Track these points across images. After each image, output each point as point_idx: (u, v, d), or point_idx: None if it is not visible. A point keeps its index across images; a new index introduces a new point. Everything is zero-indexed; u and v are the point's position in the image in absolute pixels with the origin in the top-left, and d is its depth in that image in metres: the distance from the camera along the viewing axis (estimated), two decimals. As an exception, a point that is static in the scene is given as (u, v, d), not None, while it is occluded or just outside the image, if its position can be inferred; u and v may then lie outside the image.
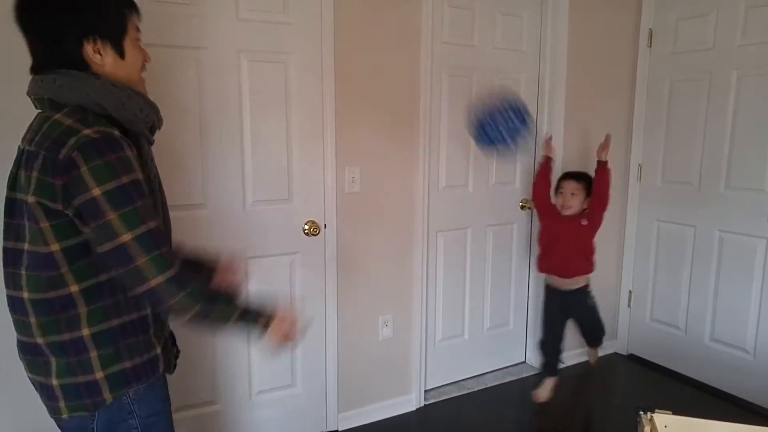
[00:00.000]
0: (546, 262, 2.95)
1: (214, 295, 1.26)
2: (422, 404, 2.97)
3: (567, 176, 2.92)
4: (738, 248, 3.03)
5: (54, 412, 1.26)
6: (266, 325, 1.34)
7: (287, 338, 1.40)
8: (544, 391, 2.99)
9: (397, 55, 2.65)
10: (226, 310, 1.27)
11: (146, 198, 1.19)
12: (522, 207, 3.27)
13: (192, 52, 2.21)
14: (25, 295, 1.20)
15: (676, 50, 3.27)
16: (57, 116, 1.18)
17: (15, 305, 1.24)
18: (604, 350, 3.61)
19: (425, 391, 3.02)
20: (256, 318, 1.33)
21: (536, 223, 3.28)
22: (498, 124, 2.27)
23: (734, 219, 3.03)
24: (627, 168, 3.54)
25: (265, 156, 2.40)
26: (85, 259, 1.19)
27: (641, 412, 1.36)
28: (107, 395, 1.24)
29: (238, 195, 2.37)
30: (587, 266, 2.91)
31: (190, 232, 2.23)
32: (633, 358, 3.59)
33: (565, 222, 2.86)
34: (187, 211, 2.26)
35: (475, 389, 3.14)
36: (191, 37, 2.20)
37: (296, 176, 2.48)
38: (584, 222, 2.85)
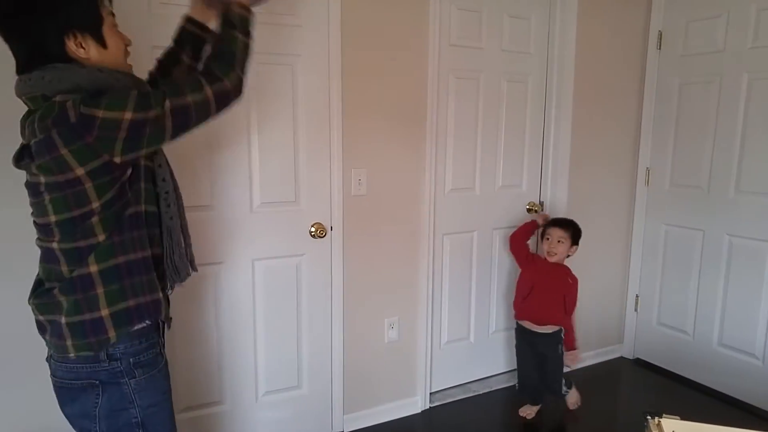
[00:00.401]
0: (523, 308, 2.89)
1: (222, 52, 1.37)
2: (427, 406, 2.97)
3: (554, 223, 2.91)
4: (747, 253, 3.00)
5: (61, 350, 1.29)
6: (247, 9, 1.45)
7: None
8: (529, 411, 2.93)
9: (405, 57, 2.65)
10: (233, 44, 1.39)
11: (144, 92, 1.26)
12: (529, 210, 3.26)
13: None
14: (52, 218, 1.24)
15: (685, 52, 3.25)
16: (49, 103, 1.21)
17: (47, 255, 1.30)
18: (611, 354, 3.61)
19: (430, 393, 3.02)
20: (242, 20, 1.43)
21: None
22: None
23: (744, 223, 3.01)
24: (635, 171, 3.52)
25: (271, 158, 2.40)
26: (107, 178, 1.23)
27: (648, 417, 1.35)
28: (111, 333, 1.27)
29: (245, 197, 2.37)
30: (563, 319, 2.84)
31: (197, 233, 2.24)
32: (639, 363, 3.57)
33: (552, 271, 2.85)
34: (193, 212, 2.26)
35: (481, 392, 3.13)
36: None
37: (303, 178, 2.49)
38: (570, 281, 2.85)
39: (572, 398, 2.96)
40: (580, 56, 3.15)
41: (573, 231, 2.88)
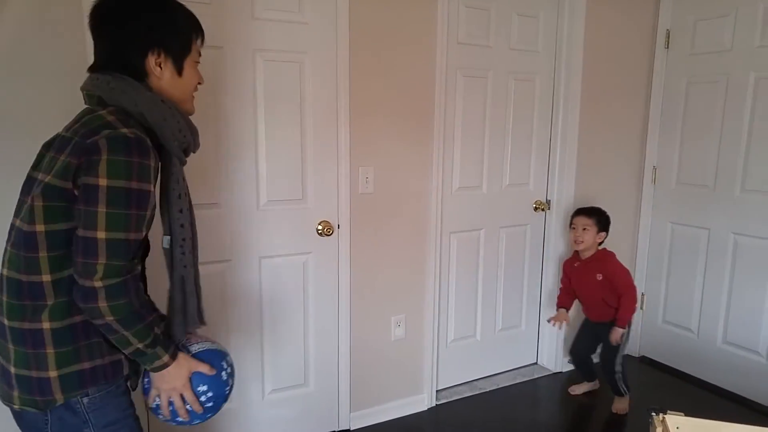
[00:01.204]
0: (584, 310, 3.06)
1: (133, 320, 1.20)
2: (434, 404, 2.98)
3: (579, 212, 2.99)
4: (753, 251, 3.00)
5: (7, 398, 1.24)
6: (157, 369, 1.28)
7: (170, 393, 1.31)
8: (579, 388, 3.12)
9: (412, 55, 2.64)
10: (130, 339, 1.21)
11: (144, 212, 1.20)
12: (535, 209, 3.26)
13: (208, 52, 2.19)
14: (4, 272, 1.22)
15: (693, 51, 3.24)
16: (101, 112, 1.22)
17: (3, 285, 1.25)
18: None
19: (437, 391, 3.02)
20: (151, 359, 1.26)
21: (549, 225, 3.29)
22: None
23: (749, 222, 3.01)
24: (641, 169, 3.51)
25: (279, 155, 2.40)
26: (63, 249, 1.19)
27: (653, 413, 1.36)
28: (58, 396, 1.20)
29: (252, 194, 2.37)
30: (612, 312, 2.90)
31: (203, 231, 2.23)
32: (645, 360, 3.58)
33: (582, 276, 2.94)
34: (200, 210, 2.24)
35: (487, 389, 3.14)
36: (207, 36, 2.15)
37: (310, 176, 2.48)
38: (599, 277, 2.87)
39: (620, 403, 2.96)
40: (588, 55, 3.14)
41: (598, 217, 2.92)
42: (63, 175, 1.16)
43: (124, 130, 1.17)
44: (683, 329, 3.37)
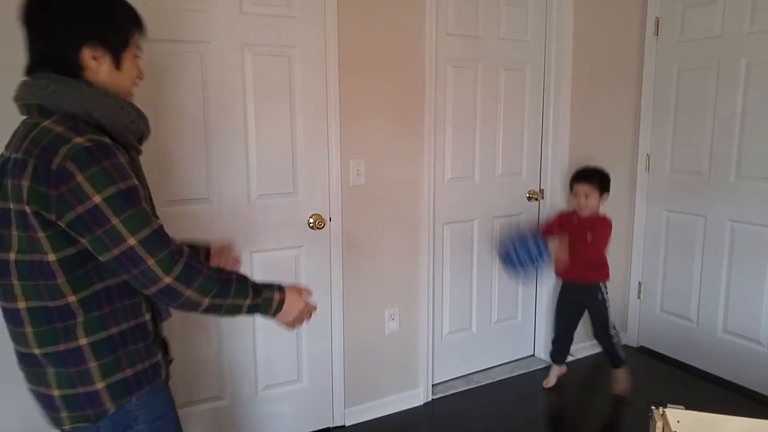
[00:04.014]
0: (560, 269, 2.96)
1: (224, 285, 1.23)
2: (430, 398, 2.95)
3: (578, 178, 2.93)
4: (750, 238, 2.98)
5: (56, 422, 1.24)
6: (278, 310, 1.34)
7: (299, 319, 1.40)
8: (549, 379, 3.08)
9: (402, 46, 2.63)
10: (236, 302, 1.25)
11: (145, 203, 1.18)
12: (529, 198, 3.24)
13: (196, 47, 2.20)
14: (21, 305, 1.18)
15: (683, 38, 3.23)
16: (46, 123, 1.15)
17: (10, 316, 1.21)
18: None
19: (433, 385, 3.00)
20: (267, 305, 1.32)
21: (543, 214, 3.27)
22: (527, 249, 2.60)
23: (745, 208, 2.99)
24: (635, 158, 3.50)
25: (269, 149, 2.39)
26: (81, 270, 1.17)
27: (653, 407, 1.34)
28: (109, 405, 1.22)
29: (243, 189, 2.36)
30: (597, 275, 2.92)
31: (194, 226, 2.23)
32: (643, 351, 3.55)
33: (576, 233, 2.87)
34: (191, 205, 2.25)
35: (483, 383, 3.12)
36: (195, 31, 2.19)
37: (301, 169, 2.47)
38: (590, 238, 2.84)
39: (622, 381, 2.98)
40: (577, 44, 3.13)
41: (599, 181, 2.90)
42: (44, 206, 1.11)
43: (79, 140, 1.11)
44: (682, 318, 3.35)
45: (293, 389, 2.59)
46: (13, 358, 1.27)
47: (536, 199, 3.26)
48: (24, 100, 1.20)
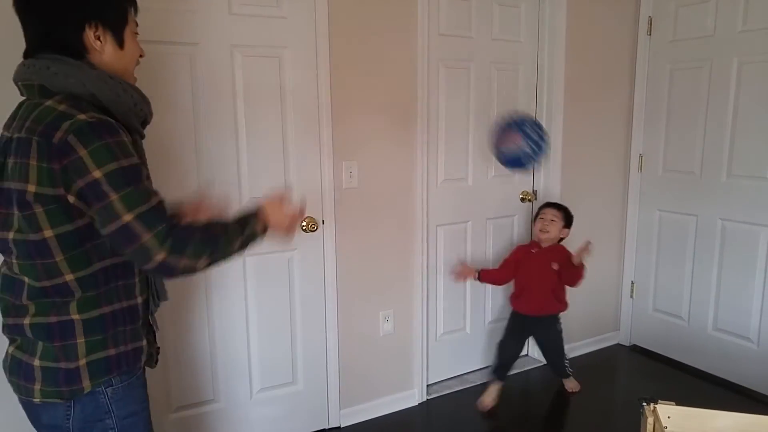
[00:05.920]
0: (519, 302, 2.95)
1: (213, 241, 1.23)
2: (425, 399, 2.96)
3: (548, 205, 2.98)
4: (740, 237, 3.00)
5: (26, 393, 1.22)
6: (265, 230, 1.36)
7: (292, 226, 1.44)
8: (489, 397, 2.88)
9: (394, 47, 2.62)
10: (228, 248, 1.27)
11: (146, 181, 1.19)
12: (522, 200, 3.25)
13: (185, 48, 2.18)
14: (26, 279, 1.19)
15: (675, 38, 3.23)
16: (48, 102, 1.15)
17: (10, 286, 1.22)
18: (608, 341, 3.60)
19: (427, 385, 3.00)
20: (254, 234, 1.33)
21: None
22: (526, 133, 2.44)
23: (737, 208, 3.00)
24: (627, 158, 3.51)
25: (260, 152, 2.37)
26: (79, 248, 1.17)
27: (644, 403, 1.35)
28: (86, 383, 1.21)
29: (234, 192, 2.34)
30: (558, 306, 2.93)
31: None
32: (636, 349, 3.57)
33: (537, 264, 2.87)
34: (182, 209, 2.24)
35: (478, 383, 3.12)
36: (184, 32, 2.17)
37: (293, 172, 2.46)
38: (555, 266, 2.85)
39: (571, 383, 3.02)
40: (570, 44, 3.13)
41: (565, 213, 2.93)
42: (51, 183, 1.11)
43: (82, 116, 1.12)
44: (674, 317, 3.37)
45: (288, 391, 2.59)
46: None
47: (529, 201, 3.26)
48: (24, 80, 1.20)
